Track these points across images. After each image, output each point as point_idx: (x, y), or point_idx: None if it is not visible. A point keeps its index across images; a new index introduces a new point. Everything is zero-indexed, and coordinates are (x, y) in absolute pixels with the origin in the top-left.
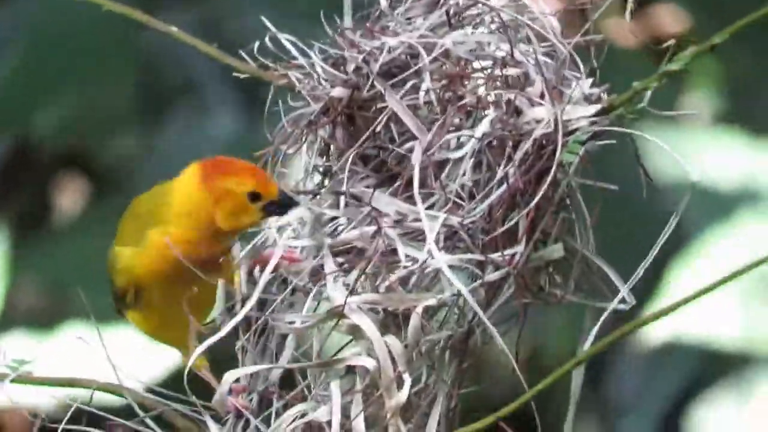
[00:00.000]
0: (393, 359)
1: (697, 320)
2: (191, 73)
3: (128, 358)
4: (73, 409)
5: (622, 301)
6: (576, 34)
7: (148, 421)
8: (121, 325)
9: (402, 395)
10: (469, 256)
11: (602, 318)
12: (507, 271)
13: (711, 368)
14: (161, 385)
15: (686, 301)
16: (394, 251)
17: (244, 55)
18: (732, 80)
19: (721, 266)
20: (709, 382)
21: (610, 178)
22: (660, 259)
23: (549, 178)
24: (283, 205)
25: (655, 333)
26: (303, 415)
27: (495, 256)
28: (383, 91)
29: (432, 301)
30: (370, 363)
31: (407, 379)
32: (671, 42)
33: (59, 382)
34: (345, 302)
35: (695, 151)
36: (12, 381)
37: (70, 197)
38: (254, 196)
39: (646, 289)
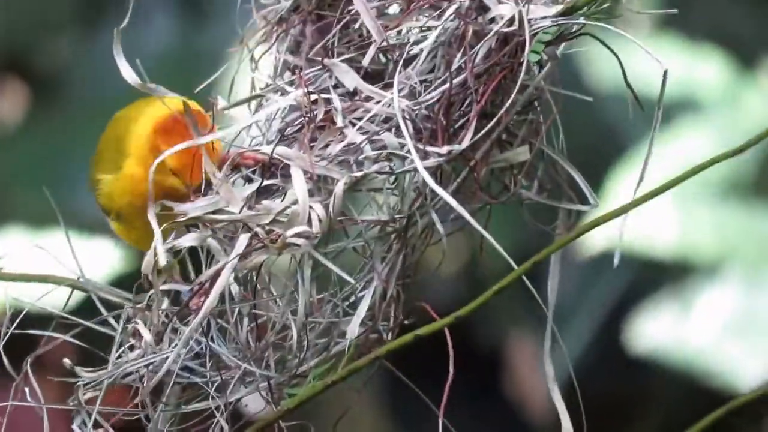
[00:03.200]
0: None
1: (635, 228)
2: None
3: (71, 261)
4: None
5: (587, 203)
6: None
7: (111, 320)
8: (60, 228)
9: (294, 230)
10: (400, 140)
11: (571, 219)
12: (442, 160)
13: (649, 276)
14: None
15: (625, 209)
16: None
17: None
18: None
19: (659, 174)
20: (648, 290)
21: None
22: (599, 167)
23: (501, 75)
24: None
25: (593, 241)
26: None
27: (437, 149)
28: None
29: (357, 175)
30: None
31: (314, 230)
32: None
33: (33, 278)
34: (271, 153)
35: (634, 57)
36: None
37: (8, 102)
38: (176, 173)
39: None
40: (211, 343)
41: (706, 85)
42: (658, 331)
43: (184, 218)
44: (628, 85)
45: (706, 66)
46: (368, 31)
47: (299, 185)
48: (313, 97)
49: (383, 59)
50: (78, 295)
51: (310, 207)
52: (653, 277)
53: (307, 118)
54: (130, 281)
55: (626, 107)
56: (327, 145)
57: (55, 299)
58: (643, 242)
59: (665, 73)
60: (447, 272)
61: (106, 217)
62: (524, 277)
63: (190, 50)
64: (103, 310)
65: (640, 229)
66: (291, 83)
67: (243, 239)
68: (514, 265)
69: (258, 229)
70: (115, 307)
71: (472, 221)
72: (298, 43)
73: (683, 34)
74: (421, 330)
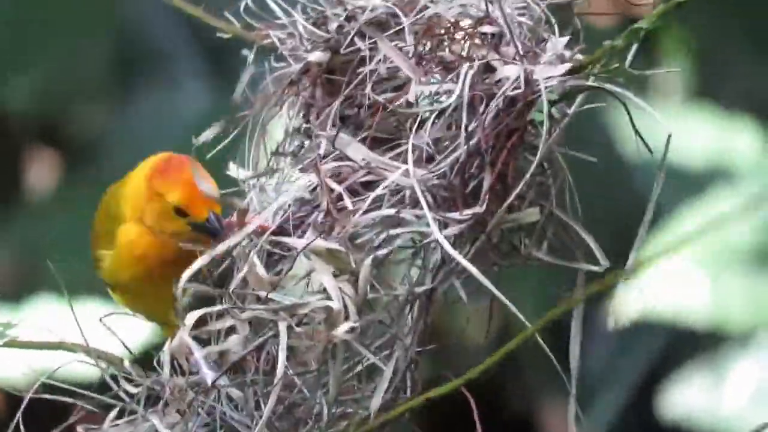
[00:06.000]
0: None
1: (668, 296)
2: (162, 44)
3: (100, 331)
4: (38, 382)
5: (596, 263)
6: None
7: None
8: (93, 298)
9: (340, 329)
10: (419, 212)
11: (579, 280)
12: (462, 228)
13: (681, 345)
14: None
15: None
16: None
17: (228, 16)
18: (703, 56)
19: (693, 243)
20: (680, 358)
21: (579, 144)
22: (629, 235)
23: (515, 138)
24: (207, 231)
25: (626, 310)
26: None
27: (454, 215)
28: (364, 48)
29: (383, 252)
30: (334, 305)
31: (351, 319)
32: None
33: (47, 346)
34: (301, 249)
35: (666, 127)
36: (72, 350)
37: (41, 170)
38: (179, 211)
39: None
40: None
41: (740, 155)
42: (690, 398)
43: (216, 309)
44: (637, 132)
45: (740, 135)
46: (378, 92)
47: (330, 283)
48: (322, 183)
49: (392, 121)
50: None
51: (340, 289)
52: (685, 344)
53: (317, 206)
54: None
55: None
56: (343, 228)
57: (79, 366)
58: (676, 310)
59: (669, 137)
60: (479, 339)
61: (109, 290)
62: (539, 339)
63: (220, 114)
64: (113, 385)
65: (672, 297)
66: (301, 149)
67: (283, 331)
68: (528, 324)
69: (290, 320)
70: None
71: (491, 287)
72: (308, 106)
73: (717, 103)
74: (431, 392)
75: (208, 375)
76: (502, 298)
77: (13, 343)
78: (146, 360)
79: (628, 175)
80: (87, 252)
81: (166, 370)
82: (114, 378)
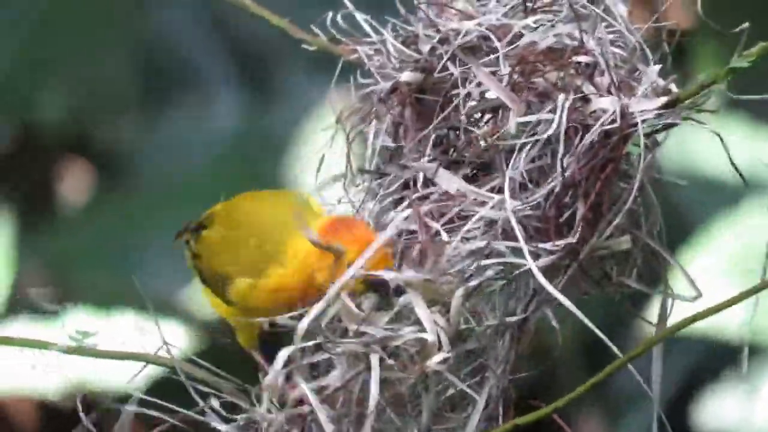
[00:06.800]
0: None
1: (701, 309)
2: (195, 56)
3: (136, 342)
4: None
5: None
6: (643, 24)
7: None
8: (124, 311)
9: (433, 360)
10: (512, 244)
11: (670, 308)
12: (555, 258)
13: (716, 358)
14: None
15: (727, 304)
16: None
17: (314, 29)
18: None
19: (727, 256)
20: (715, 373)
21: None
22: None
23: (609, 170)
24: (374, 285)
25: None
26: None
27: (546, 245)
28: (456, 72)
29: (475, 283)
30: (428, 336)
31: (444, 350)
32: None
33: (121, 356)
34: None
35: (702, 140)
36: (76, 353)
37: (73, 182)
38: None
39: (653, 280)
40: None
41: None
42: (724, 412)
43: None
44: (735, 168)
45: None
46: (470, 115)
47: (425, 315)
48: (419, 218)
49: (482, 145)
50: (151, 372)
51: (435, 323)
52: (720, 358)
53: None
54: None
55: (692, 189)
56: (437, 260)
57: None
58: (710, 324)
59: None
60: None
61: (203, 283)
62: (630, 368)
63: (256, 129)
64: (198, 399)
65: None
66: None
67: (375, 363)
68: (619, 354)
69: (382, 353)
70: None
71: (582, 317)
72: (396, 125)
73: (751, 114)
74: (519, 420)
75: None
76: (594, 328)
77: (88, 352)
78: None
79: (668, 192)
80: (119, 264)
81: (265, 405)
82: (202, 397)
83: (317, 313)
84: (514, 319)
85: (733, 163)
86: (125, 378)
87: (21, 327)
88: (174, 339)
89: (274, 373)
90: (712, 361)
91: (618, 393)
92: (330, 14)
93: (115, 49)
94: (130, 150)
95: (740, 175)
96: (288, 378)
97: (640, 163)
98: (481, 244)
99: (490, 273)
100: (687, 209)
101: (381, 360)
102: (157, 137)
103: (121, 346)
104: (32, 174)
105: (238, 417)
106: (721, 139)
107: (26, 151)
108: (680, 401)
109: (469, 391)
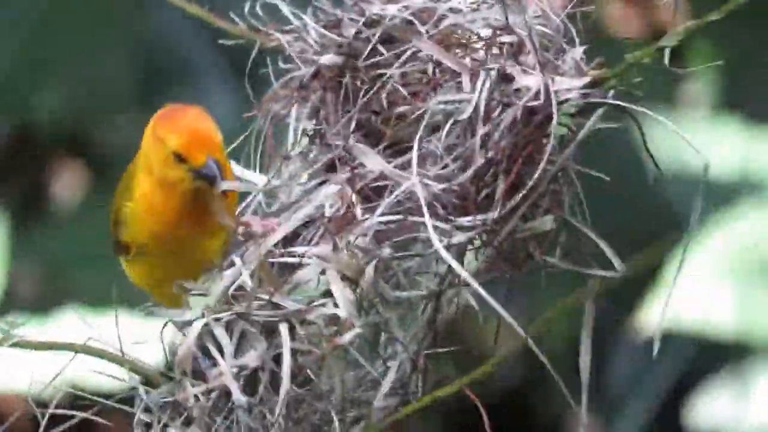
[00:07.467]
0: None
1: (693, 308)
2: (189, 57)
3: (127, 342)
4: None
5: (612, 270)
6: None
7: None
8: (119, 309)
9: (344, 337)
10: (421, 219)
11: (593, 287)
12: (470, 236)
13: (708, 357)
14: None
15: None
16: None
17: (234, 17)
18: (729, 67)
19: (720, 255)
20: (706, 370)
21: (604, 159)
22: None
23: (530, 148)
24: (205, 177)
25: (652, 321)
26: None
27: (464, 219)
28: (385, 53)
29: (384, 256)
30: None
31: (354, 327)
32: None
33: (61, 347)
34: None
35: (694, 138)
36: (80, 351)
37: (68, 182)
38: (179, 157)
39: (644, 280)
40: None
41: (767, 167)
42: (716, 411)
43: (224, 307)
44: (648, 150)
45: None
46: (389, 98)
47: (339, 292)
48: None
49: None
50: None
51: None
52: (711, 357)
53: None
54: None
55: (684, 187)
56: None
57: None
58: (701, 323)
59: (706, 166)
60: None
61: (123, 263)
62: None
63: (246, 125)
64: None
65: (698, 309)
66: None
67: (285, 334)
68: (521, 332)
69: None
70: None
71: (491, 300)
72: (316, 110)
73: (744, 115)
74: (439, 391)
75: (238, 399)
76: (497, 306)
77: (22, 344)
78: None
79: (652, 187)
80: (113, 263)
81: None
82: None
83: (232, 278)
84: (422, 293)
85: (648, 151)
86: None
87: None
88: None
89: (186, 347)
90: (704, 360)
91: (611, 392)
92: (248, 3)
93: (115, 49)
94: (124, 150)
95: (655, 164)
96: (205, 352)
97: (566, 145)
98: (396, 218)
99: (400, 250)
100: (680, 208)
101: (291, 329)
102: None
103: (113, 346)
104: (27, 174)
105: (157, 392)
106: (639, 126)
107: (21, 150)
108: (672, 400)
109: (369, 367)
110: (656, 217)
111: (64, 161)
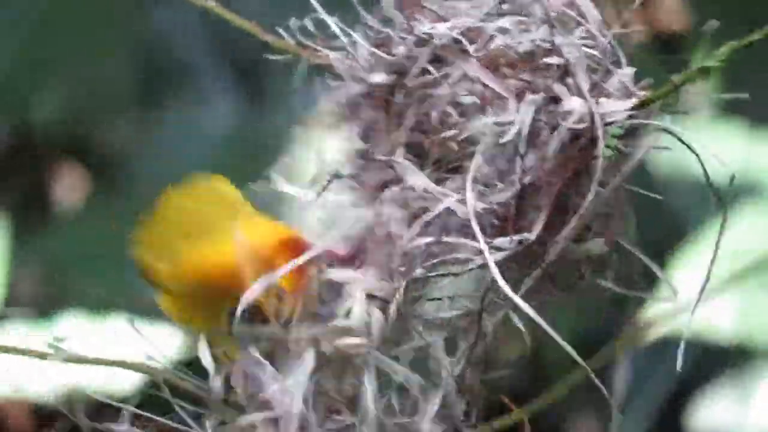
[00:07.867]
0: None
1: (695, 312)
2: (190, 59)
3: (129, 346)
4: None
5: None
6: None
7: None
8: (120, 313)
9: (348, 341)
10: (468, 241)
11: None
12: (506, 254)
13: (709, 361)
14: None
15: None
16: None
17: (281, 32)
18: (731, 71)
19: (720, 262)
20: (707, 375)
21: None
22: (659, 251)
23: (575, 171)
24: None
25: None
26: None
27: (501, 240)
28: (435, 73)
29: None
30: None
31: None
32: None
33: (110, 363)
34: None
35: (696, 142)
36: (64, 360)
37: (68, 182)
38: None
39: (647, 283)
40: None
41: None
42: (717, 414)
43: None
44: (708, 180)
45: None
46: (437, 118)
47: (359, 305)
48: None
49: (453, 146)
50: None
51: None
52: (712, 361)
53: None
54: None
55: (686, 194)
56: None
57: (114, 384)
58: (702, 327)
59: (732, 177)
60: (508, 359)
61: (157, 295)
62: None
63: (251, 132)
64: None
65: (698, 313)
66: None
67: (309, 357)
68: (582, 363)
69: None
70: (181, 395)
71: (541, 322)
72: (368, 128)
73: (747, 119)
74: (497, 421)
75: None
76: (544, 324)
77: (74, 359)
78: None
79: (656, 192)
80: (113, 267)
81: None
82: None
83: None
84: (454, 314)
85: (708, 180)
86: (121, 382)
87: (14, 329)
88: (167, 345)
89: (239, 373)
90: (705, 364)
91: (612, 396)
92: (293, 18)
93: (115, 49)
94: (125, 152)
95: (717, 196)
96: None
97: (621, 167)
98: (431, 239)
99: (443, 270)
100: (682, 212)
101: (318, 353)
102: (154, 139)
103: (114, 351)
104: (26, 174)
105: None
106: (690, 148)
107: (21, 152)
108: (673, 404)
109: (400, 374)
110: (659, 221)
111: (64, 162)
